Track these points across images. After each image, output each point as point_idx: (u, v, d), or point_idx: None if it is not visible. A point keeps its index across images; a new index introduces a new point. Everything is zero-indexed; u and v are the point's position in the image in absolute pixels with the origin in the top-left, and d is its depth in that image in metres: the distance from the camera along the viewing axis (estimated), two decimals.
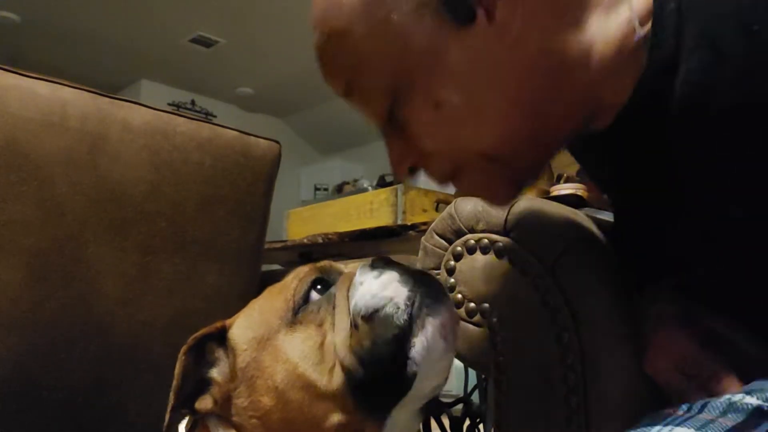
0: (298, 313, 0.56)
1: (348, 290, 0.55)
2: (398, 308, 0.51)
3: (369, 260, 0.58)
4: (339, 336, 0.53)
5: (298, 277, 0.59)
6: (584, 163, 0.73)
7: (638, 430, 0.43)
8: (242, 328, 0.58)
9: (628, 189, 0.62)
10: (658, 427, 0.42)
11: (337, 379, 0.52)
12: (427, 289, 0.54)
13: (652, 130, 0.53)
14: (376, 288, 0.53)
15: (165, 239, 0.92)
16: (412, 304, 0.52)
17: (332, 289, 0.57)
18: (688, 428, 0.40)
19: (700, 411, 0.43)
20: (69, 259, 0.84)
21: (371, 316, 0.51)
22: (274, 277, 1.10)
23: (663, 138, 0.52)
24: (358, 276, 0.56)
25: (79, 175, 0.84)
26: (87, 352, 0.85)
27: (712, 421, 0.41)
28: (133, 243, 0.89)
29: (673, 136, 0.51)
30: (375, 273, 0.55)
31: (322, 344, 0.53)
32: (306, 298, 0.57)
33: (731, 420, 0.41)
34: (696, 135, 0.49)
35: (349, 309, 0.54)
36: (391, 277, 0.53)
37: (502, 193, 0.58)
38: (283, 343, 0.55)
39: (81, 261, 0.85)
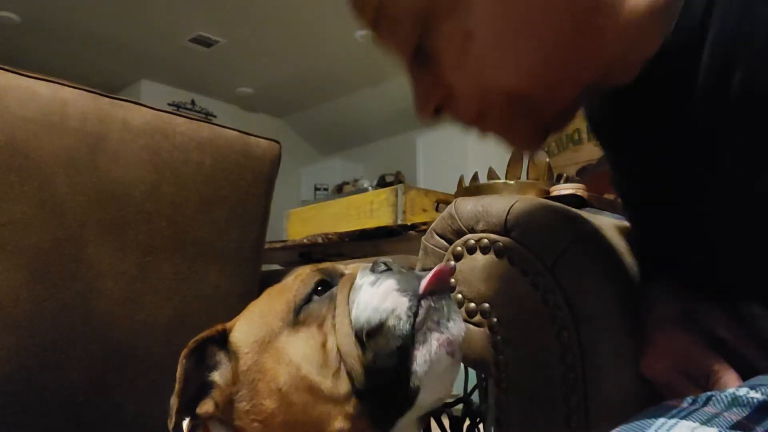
0: (299, 313, 0.55)
1: (349, 292, 0.55)
2: (400, 320, 0.51)
3: (370, 262, 0.57)
4: (343, 341, 0.52)
5: (300, 278, 0.58)
6: (602, 130, 0.70)
7: (643, 421, 0.42)
8: (243, 330, 0.58)
9: (648, 156, 0.60)
10: (662, 419, 0.41)
11: (344, 385, 0.51)
12: (435, 302, 0.53)
13: (676, 92, 0.52)
14: (377, 300, 0.52)
15: (165, 239, 0.92)
16: (414, 315, 0.51)
17: (333, 290, 0.56)
18: (694, 422, 0.39)
19: (705, 404, 0.42)
20: (69, 259, 0.84)
21: (374, 330, 0.51)
22: (274, 277, 1.10)
23: (688, 102, 0.51)
24: (358, 278, 0.55)
25: (79, 175, 0.84)
26: (87, 352, 0.85)
27: (717, 415, 0.40)
28: (133, 243, 0.89)
29: (699, 99, 0.50)
30: (373, 278, 0.54)
31: (324, 345, 0.53)
32: (308, 300, 0.56)
33: (736, 414, 0.40)
34: (723, 102, 0.48)
35: (349, 312, 0.53)
36: (390, 285, 0.53)
37: (526, 137, 0.56)
38: (286, 345, 0.54)
39: (81, 261, 0.85)
